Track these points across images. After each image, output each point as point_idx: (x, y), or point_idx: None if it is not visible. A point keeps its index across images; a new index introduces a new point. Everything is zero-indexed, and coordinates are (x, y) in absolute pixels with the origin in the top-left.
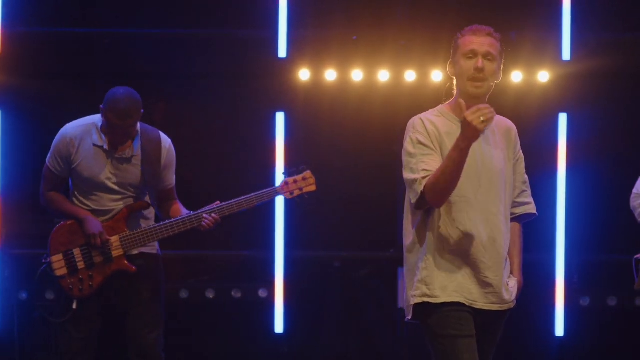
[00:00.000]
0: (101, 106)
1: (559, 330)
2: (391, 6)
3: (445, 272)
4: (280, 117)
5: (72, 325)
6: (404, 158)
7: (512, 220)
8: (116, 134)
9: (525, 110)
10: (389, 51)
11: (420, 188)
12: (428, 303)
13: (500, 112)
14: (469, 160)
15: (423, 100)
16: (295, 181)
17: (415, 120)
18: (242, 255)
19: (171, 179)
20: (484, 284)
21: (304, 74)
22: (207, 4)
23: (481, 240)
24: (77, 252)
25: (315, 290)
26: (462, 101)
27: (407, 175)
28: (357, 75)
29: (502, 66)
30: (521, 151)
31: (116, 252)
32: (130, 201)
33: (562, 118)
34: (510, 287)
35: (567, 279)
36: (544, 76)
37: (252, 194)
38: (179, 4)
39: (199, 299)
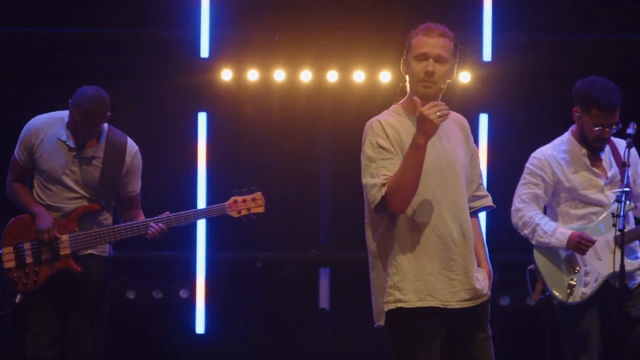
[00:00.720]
0: (70, 101)
1: None
2: (313, 7)
3: (417, 275)
4: (202, 117)
5: (32, 321)
6: (363, 162)
7: (472, 214)
8: (78, 132)
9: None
10: (311, 51)
11: (380, 194)
12: (402, 308)
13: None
14: (432, 156)
15: (345, 100)
16: (244, 201)
17: (373, 123)
18: (163, 255)
19: (134, 186)
20: (456, 282)
21: (226, 74)
22: (129, 4)
23: (452, 237)
24: (27, 246)
25: (237, 290)
26: (416, 98)
27: (366, 180)
28: (279, 75)
29: (454, 65)
30: (474, 145)
31: (64, 251)
32: (86, 202)
33: (483, 118)
34: (481, 280)
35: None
36: (465, 77)
37: (201, 209)
38: (101, 4)
39: (119, 299)
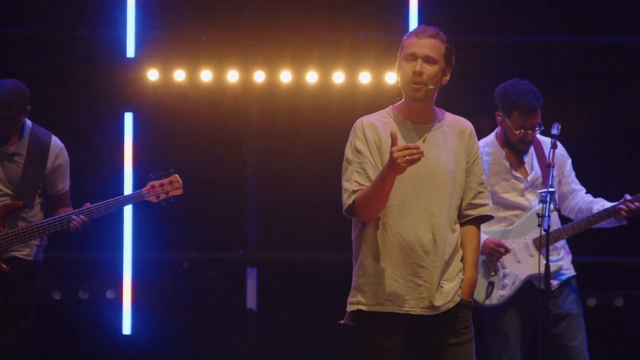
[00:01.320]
0: None
1: None
2: (240, 7)
3: (380, 279)
4: (128, 118)
5: None
6: (344, 162)
7: (468, 222)
8: None
9: (375, 111)
10: (237, 51)
11: (349, 201)
12: (361, 311)
13: (350, 114)
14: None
15: (272, 100)
16: (161, 184)
17: (356, 124)
18: (89, 256)
19: (61, 184)
20: (423, 289)
21: (152, 74)
22: (54, 3)
23: (421, 243)
24: None
25: (164, 291)
26: (393, 132)
27: (342, 181)
28: (206, 75)
29: (446, 68)
30: (479, 152)
31: None
32: (9, 199)
33: None
34: (446, 288)
35: None
36: (391, 77)
37: (119, 197)
38: (26, 3)
39: (45, 300)
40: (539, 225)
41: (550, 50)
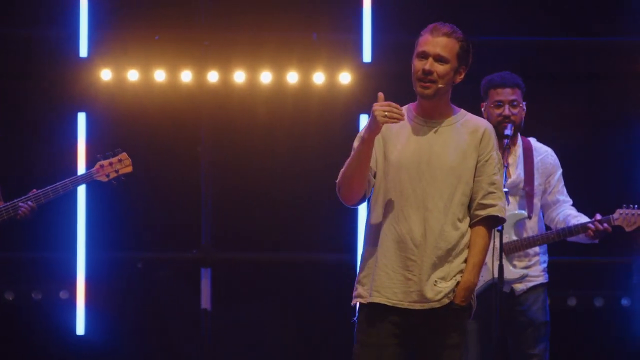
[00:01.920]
0: None
1: None
2: (193, 7)
3: (372, 270)
4: (81, 117)
5: None
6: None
7: (478, 222)
8: None
9: (328, 112)
10: (191, 51)
11: (337, 181)
12: (360, 303)
13: (304, 114)
14: (410, 153)
15: (226, 100)
16: (110, 163)
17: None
18: (42, 256)
19: None
20: (412, 283)
21: (105, 74)
22: (7, 3)
23: (412, 236)
24: None
25: (118, 291)
26: (380, 93)
27: None
28: (159, 75)
29: (460, 67)
30: (494, 153)
31: None
32: None
33: (363, 119)
34: (440, 287)
35: None
36: (345, 77)
37: (67, 179)
38: None
39: None
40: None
41: (505, 51)
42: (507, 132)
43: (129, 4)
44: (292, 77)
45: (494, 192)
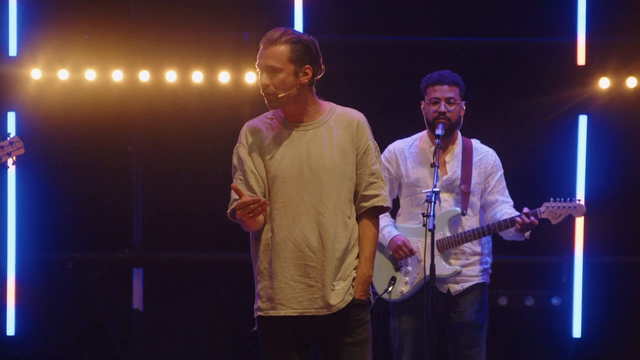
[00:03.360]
0: None
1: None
2: (124, 6)
3: (274, 283)
4: (11, 117)
5: None
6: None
7: (363, 215)
8: None
9: (260, 112)
10: (122, 51)
11: (229, 209)
12: (260, 316)
13: (236, 114)
14: (290, 164)
15: (158, 99)
16: (2, 147)
17: (242, 130)
18: None
19: None
20: (315, 289)
21: (35, 73)
22: None
23: (308, 243)
24: None
25: (49, 291)
26: (234, 185)
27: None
28: (90, 74)
29: (301, 68)
30: (370, 142)
31: None
32: None
33: None
34: (338, 288)
35: None
36: None
37: None
38: None
39: None
40: (424, 225)
41: (434, 51)
42: (438, 131)
43: (59, 3)
44: (224, 77)
45: (375, 182)
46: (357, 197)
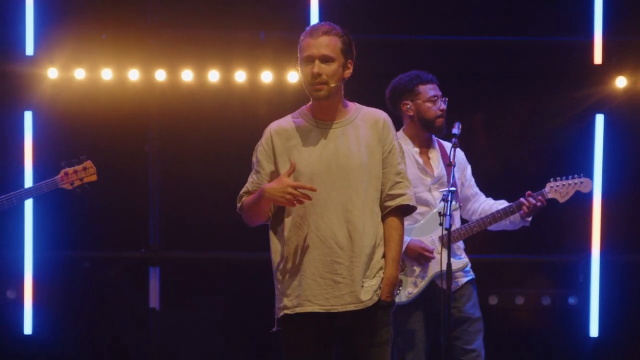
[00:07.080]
0: None
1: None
2: (141, 6)
3: (301, 281)
4: (28, 116)
5: None
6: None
7: (389, 214)
8: None
9: (276, 111)
10: (138, 50)
11: (238, 204)
12: (286, 315)
13: (252, 113)
14: (318, 161)
15: (174, 99)
16: (75, 171)
17: (266, 131)
18: None
19: None
20: (342, 285)
21: (52, 73)
22: None
23: (336, 240)
24: None
25: (65, 290)
26: (293, 162)
27: None
28: (106, 74)
29: (347, 61)
30: (395, 142)
31: None
32: None
33: None
34: (367, 286)
35: None
36: (293, 76)
37: (32, 186)
38: None
39: None
40: (441, 224)
41: (453, 50)
42: (455, 130)
43: (76, 3)
44: (240, 76)
45: (401, 182)
46: (383, 196)
